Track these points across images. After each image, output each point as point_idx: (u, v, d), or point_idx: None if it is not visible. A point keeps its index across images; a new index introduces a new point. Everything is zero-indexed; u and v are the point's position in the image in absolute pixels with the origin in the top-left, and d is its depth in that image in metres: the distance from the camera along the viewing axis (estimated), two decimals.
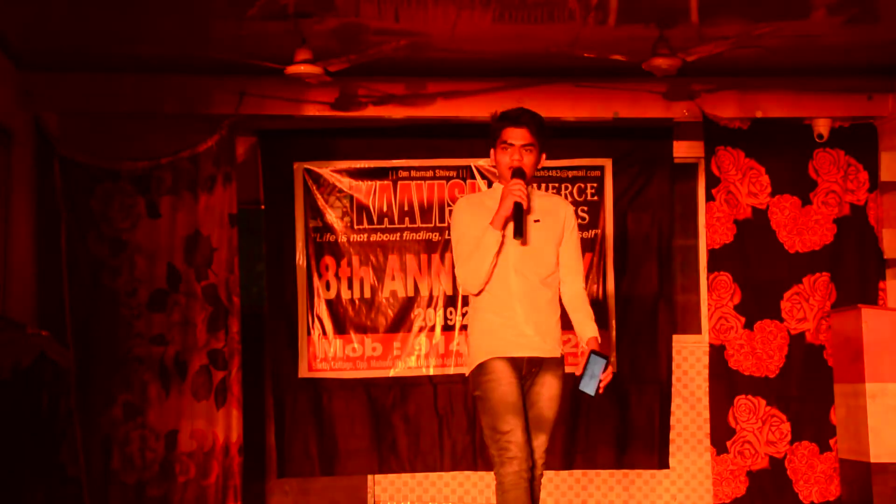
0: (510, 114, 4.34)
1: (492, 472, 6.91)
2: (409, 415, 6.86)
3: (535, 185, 4.52)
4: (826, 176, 6.90)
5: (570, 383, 4.37)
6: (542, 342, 4.28)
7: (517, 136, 4.30)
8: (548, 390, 4.29)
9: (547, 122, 4.42)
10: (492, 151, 4.39)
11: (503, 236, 4.22)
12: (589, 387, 4.17)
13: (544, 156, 4.39)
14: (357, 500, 7.01)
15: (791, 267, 6.84)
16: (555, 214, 4.40)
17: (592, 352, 4.21)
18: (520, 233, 4.18)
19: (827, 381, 6.76)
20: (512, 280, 4.27)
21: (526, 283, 4.28)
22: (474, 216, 4.31)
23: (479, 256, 4.23)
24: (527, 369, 4.27)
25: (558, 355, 4.33)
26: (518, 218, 4.19)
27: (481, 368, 4.26)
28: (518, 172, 4.26)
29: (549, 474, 7.02)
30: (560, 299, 4.42)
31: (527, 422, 4.24)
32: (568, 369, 4.42)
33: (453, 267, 7.08)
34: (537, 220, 4.33)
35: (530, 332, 4.26)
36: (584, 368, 4.19)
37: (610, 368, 4.19)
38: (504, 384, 4.19)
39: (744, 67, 6.54)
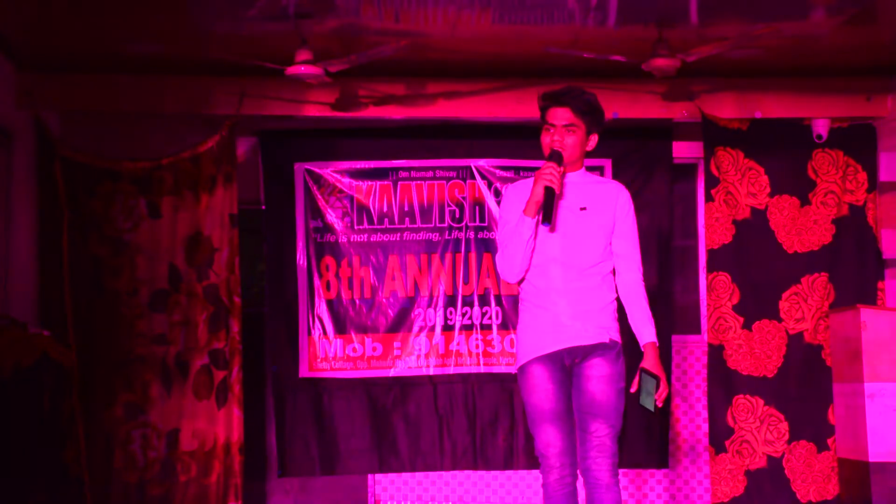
0: (553, 92, 4.10)
1: (492, 472, 7.00)
2: (410, 415, 6.87)
3: (584, 168, 4.20)
4: (825, 176, 6.91)
5: (629, 367, 4.19)
6: (582, 330, 4.06)
7: (558, 116, 4.08)
8: (596, 370, 4.06)
9: None
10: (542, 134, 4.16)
11: (536, 223, 4.02)
12: (647, 402, 4.03)
13: (596, 137, 4.16)
14: (357, 499, 7.02)
15: (790, 267, 6.85)
16: (606, 201, 4.14)
17: (642, 370, 4.05)
18: (548, 219, 3.96)
19: (825, 381, 6.77)
20: (553, 271, 4.08)
21: (568, 274, 4.08)
22: (517, 203, 4.09)
23: (511, 244, 4.05)
24: (570, 360, 4.08)
25: (606, 340, 4.08)
26: (548, 204, 3.96)
27: (521, 372, 4.13)
28: (554, 156, 4.04)
29: None
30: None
31: (583, 414, 4.06)
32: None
33: (453, 267, 7.18)
34: (584, 209, 4.10)
35: (568, 322, 4.06)
36: (640, 385, 4.06)
37: (664, 384, 4.02)
38: (539, 391, 4.06)
39: (743, 68, 6.55)
